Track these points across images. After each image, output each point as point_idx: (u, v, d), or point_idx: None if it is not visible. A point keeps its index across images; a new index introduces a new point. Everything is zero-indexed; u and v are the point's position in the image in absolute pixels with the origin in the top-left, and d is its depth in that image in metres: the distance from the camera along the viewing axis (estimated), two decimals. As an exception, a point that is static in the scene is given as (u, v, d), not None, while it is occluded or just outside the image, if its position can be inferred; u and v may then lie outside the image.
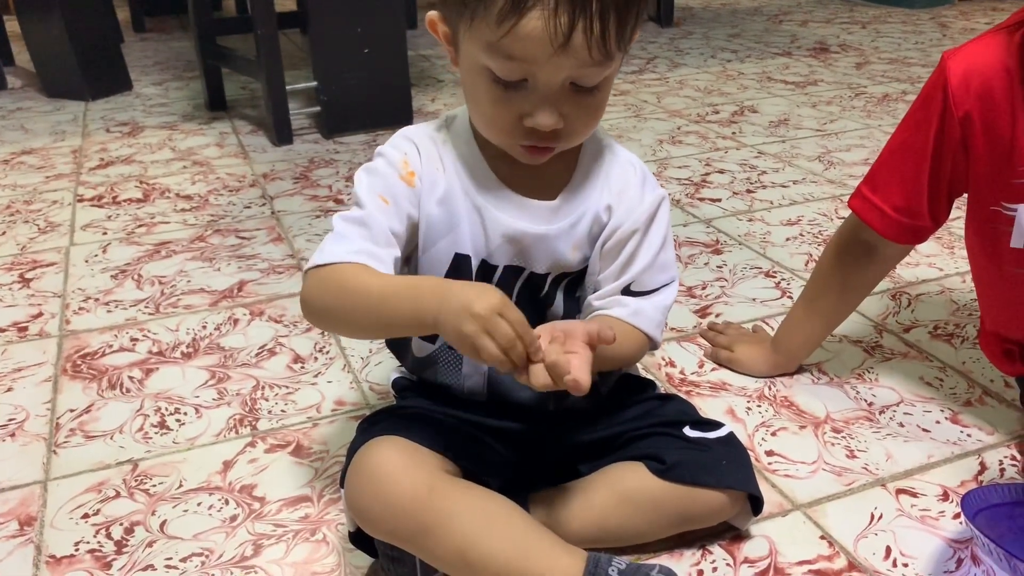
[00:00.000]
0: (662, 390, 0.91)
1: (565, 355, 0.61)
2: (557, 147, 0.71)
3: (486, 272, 0.77)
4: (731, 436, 0.81)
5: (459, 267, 0.77)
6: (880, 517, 0.84)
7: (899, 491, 0.87)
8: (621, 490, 0.78)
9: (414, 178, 0.75)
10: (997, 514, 0.75)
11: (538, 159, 0.72)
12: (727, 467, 0.79)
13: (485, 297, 0.61)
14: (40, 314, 1.26)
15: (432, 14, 0.72)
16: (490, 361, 0.61)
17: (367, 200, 0.74)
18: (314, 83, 2.02)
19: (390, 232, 0.73)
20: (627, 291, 0.77)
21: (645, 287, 0.78)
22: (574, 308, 0.81)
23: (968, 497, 0.76)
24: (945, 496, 0.87)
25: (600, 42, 0.64)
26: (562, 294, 0.79)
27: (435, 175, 0.76)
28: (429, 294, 0.64)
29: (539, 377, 0.61)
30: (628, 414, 0.83)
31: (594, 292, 0.79)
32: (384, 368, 1.10)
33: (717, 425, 0.82)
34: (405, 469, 0.69)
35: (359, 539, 0.76)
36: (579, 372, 0.60)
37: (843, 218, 1.53)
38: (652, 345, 0.79)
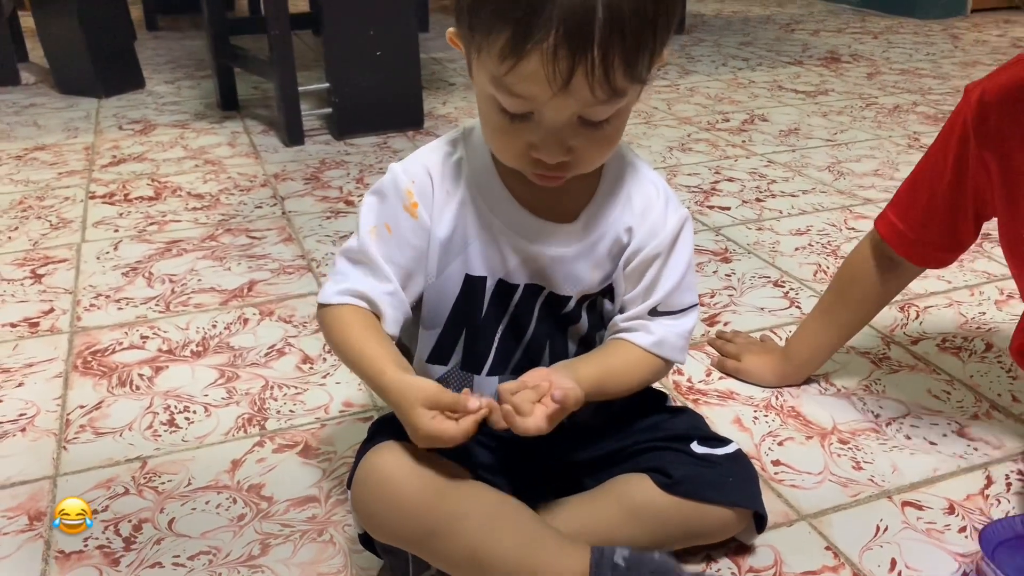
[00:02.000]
0: (672, 402, 0.91)
1: (531, 404, 0.66)
2: (568, 175, 0.70)
3: (505, 292, 0.76)
4: (739, 453, 0.81)
5: (471, 288, 0.76)
6: (885, 529, 0.84)
7: (905, 503, 0.88)
8: (627, 504, 0.78)
9: (417, 209, 0.74)
10: (1016, 547, 0.75)
11: (551, 184, 0.71)
12: (734, 484, 0.79)
13: (412, 431, 0.67)
14: (51, 310, 1.27)
15: (451, 31, 0.70)
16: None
17: (366, 230, 0.75)
18: (326, 84, 2.03)
19: (388, 263, 0.74)
20: (653, 312, 0.77)
21: (672, 307, 0.77)
22: (598, 324, 0.81)
23: (987, 531, 0.76)
24: (951, 510, 0.87)
25: (604, 81, 0.61)
26: (586, 313, 0.79)
27: (446, 200, 0.75)
28: (371, 379, 0.71)
29: (497, 423, 0.67)
30: (636, 426, 0.83)
31: (620, 312, 0.78)
32: (392, 370, 1.10)
33: (725, 441, 0.82)
34: (413, 472, 0.69)
35: (368, 541, 0.76)
36: (532, 423, 0.65)
37: (852, 229, 1.53)
38: (676, 364, 0.80)
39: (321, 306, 0.75)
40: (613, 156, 0.76)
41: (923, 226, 0.91)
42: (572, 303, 0.77)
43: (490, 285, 0.76)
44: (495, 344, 0.78)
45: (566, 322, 0.79)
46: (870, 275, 0.98)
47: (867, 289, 0.99)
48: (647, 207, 0.76)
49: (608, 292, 0.79)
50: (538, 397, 0.66)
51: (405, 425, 0.68)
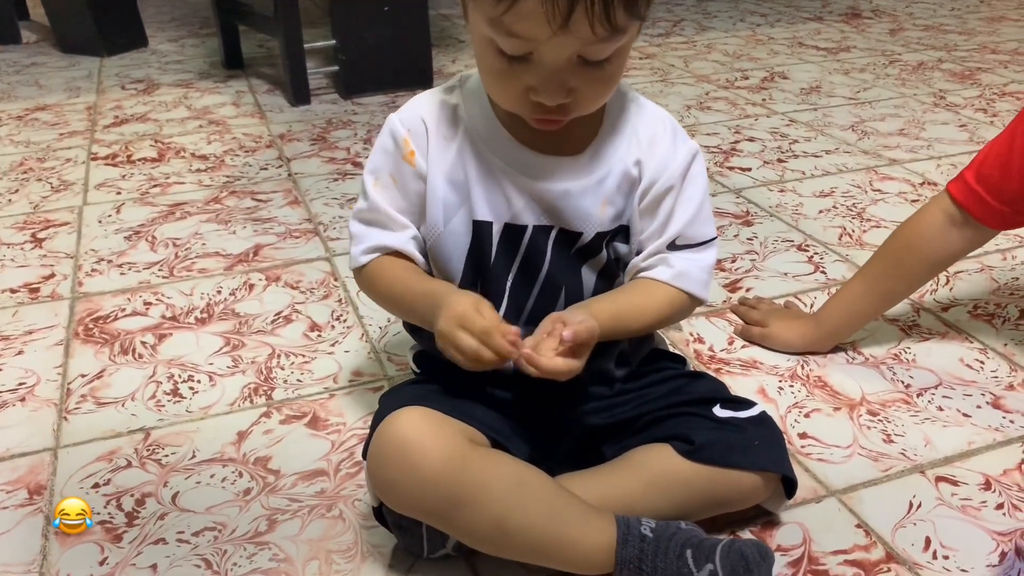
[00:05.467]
0: (692, 367, 0.88)
1: (552, 352, 0.66)
2: (568, 118, 0.69)
3: (513, 234, 0.74)
4: (764, 415, 0.78)
5: (480, 234, 0.74)
6: (919, 506, 0.80)
7: (938, 479, 0.84)
8: (648, 473, 0.75)
9: (414, 157, 0.74)
10: None
11: (550, 128, 0.70)
12: (759, 448, 0.76)
13: (451, 307, 0.67)
14: (52, 275, 1.24)
15: None
16: (468, 357, 0.66)
17: (371, 185, 0.76)
18: (332, 42, 1.98)
19: (398, 213, 0.75)
20: (672, 246, 0.75)
21: (691, 240, 0.76)
22: (616, 266, 0.78)
23: None
24: (987, 485, 0.83)
25: (604, 19, 0.60)
26: (605, 253, 0.76)
27: (443, 145, 0.74)
28: (427, 306, 0.71)
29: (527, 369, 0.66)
30: (654, 392, 0.80)
31: (638, 254, 0.76)
32: (403, 339, 1.06)
33: (749, 404, 0.79)
34: (435, 439, 0.66)
35: (382, 515, 0.73)
36: (562, 363, 0.65)
37: (878, 190, 1.48)
38: (700, 302, 0.78)
39: (356, 271, 0.78)
40: (616, 95, 0.75)
41: (1007, 191, 0.89)
42: (587, 239, 0.74)
43: (496, 230, 0.74)
44: (507, 291, 0.76)
45: (583, 257, 0.76)
46: (933, 242, 0.94)
47: (925, 257, 0.95)
48: (654, 140, 0.75)
49: (622, 232, 0.76)
50: (557, 343, 0.66)
51: (444, 314, 0.67)
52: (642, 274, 0.76)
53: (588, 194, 0.73)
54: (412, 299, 0.73)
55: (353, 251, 0.77)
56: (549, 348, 0.66)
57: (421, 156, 0.74)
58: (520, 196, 0.73)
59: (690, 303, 0.77)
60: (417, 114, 0.75)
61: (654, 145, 0.75)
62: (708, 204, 0.77)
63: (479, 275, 0.76)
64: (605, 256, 0.76)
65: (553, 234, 0.74)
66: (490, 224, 0.74)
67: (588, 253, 0.75)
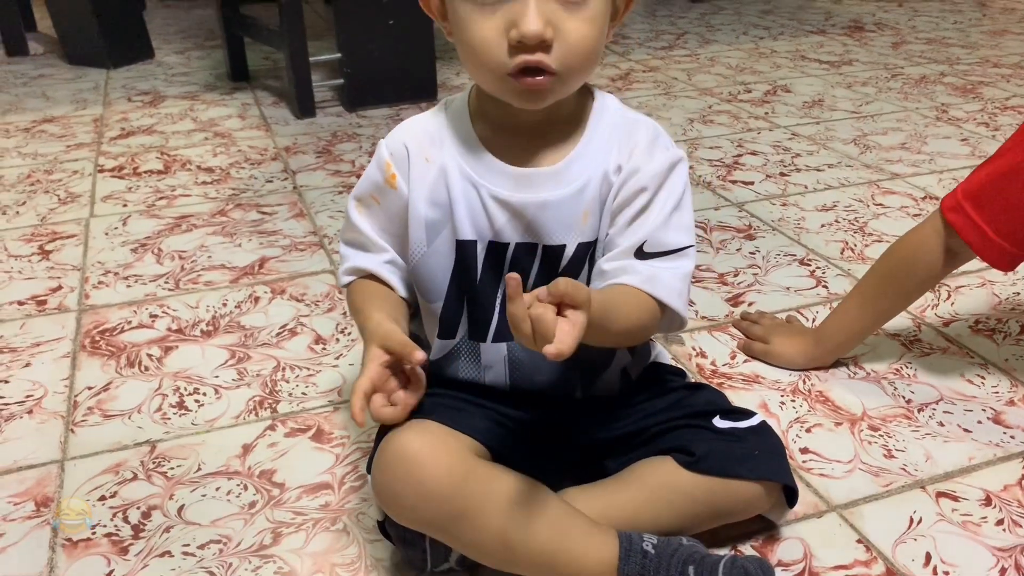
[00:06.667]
0: (692, 380, 0.88)
1: (553, 315, 0.56)
2: (552, 69, 0.65)
3: (496, 253, 0.74)
4: (763, 425, 0.79)
5: (464, 254, 0.74)
6: (919, 521, 0.81)
7: (939, 494, 0.84)
8: (650, 485, 0.75)
9: (396, 180, 0.76)
10: None
11: (535, 95, 0.67)
12: (760, 457, 0.76)
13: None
14: (59, 287, 1.25)
15: None
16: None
17: (353, 207, 0.79)
18: (338, 55, 1.99)
19: (380, 235, 0.78)
20: (640, 254, 0.71)
21: (661, 247, 0.72)
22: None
23: None
24: (988, 501, 0.83)
25: None
26: (587, 265, 0.75)
27: (425, 167, 0.74)
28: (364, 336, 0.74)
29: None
30: (655, 406, 0.81)
31: (604, 255, 0.74)
32: (407, 351, 1.07)
33: (749, 414, 0.80)
34: (439, 453, 0.67)
35: (387, 529, 0.74)
36: (562, 339, 0.55)
37: (880, 204, 1.49)
38: (679, 320, 0.73)
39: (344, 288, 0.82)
40: (600, 106, 0.75)
41: (1005, 224, 0.87)
42: (570, 252, 0.73)
43: (481, 249, 0.74)
44: (496, 309, 0.76)
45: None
46: (929, 264, 0.94)
47: (921, 277, 0.95)
48: (635, 146, 0.74)
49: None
50: (554, 306, 0.57)
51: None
52: (610, 282, 0.72)
53: (566, 205, 0.72)
54: (359, 321, 0.77)
55: (339, 272, 0.81)
56: (549, 310, 0.57)
57: (402, 179, 0.75)
58: (501, 213, 0.73)
59: (664, 317, 0.72)
60: (400, 139, 0.76)
61: (635, 150, 0.73)
62: (686, 214, 0.74)
63: (465, 293, 0.76)
64: (586, 277, 0.75)
65: (539, 253, 0.74)
66: (474, 243, 0.74)
67: (574, 273, 0.74)
